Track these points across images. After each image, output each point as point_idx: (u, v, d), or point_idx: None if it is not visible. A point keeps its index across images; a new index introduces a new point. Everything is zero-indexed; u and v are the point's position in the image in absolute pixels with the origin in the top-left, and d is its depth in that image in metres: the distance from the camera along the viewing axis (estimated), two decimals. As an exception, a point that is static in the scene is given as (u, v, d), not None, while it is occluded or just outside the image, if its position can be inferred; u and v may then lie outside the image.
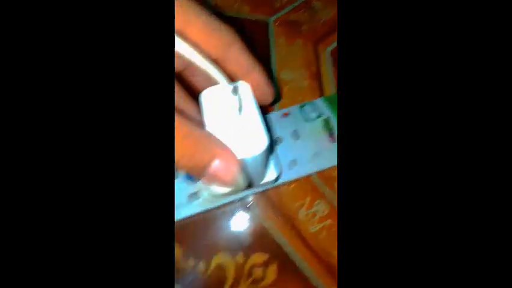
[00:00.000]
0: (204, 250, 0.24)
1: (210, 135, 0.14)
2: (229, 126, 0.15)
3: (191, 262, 0.23)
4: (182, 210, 0.22)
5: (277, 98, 0.18)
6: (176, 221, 0.23)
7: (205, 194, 0.22)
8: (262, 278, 0.24)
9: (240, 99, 0.15)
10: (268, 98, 0.18)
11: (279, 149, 0.24)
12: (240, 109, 0.15)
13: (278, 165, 0.22)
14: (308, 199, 0.26)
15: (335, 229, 0.25)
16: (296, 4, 0.34)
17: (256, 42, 0.32)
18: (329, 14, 0.34)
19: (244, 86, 0.17)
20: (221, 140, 0.14)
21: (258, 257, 0.24)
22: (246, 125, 0.15)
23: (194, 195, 0.22)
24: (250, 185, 0.18)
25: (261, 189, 0.25)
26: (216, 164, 0.14)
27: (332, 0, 0.35)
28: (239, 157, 0.14)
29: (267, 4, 0.34)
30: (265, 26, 0.33)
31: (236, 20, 0.33)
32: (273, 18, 0.33)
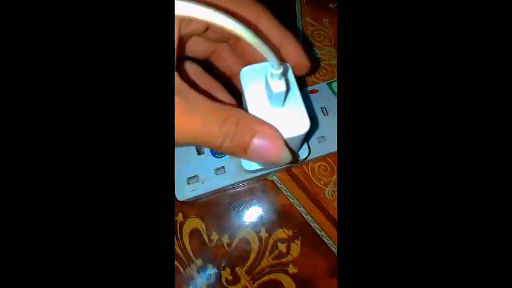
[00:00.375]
0: (227, 225, 0.24)
1: (248, 115, 0.14)
2: (273, 108, 0.15)
3: (214, 236, 0.24)
4: (209, 183, 0.22)
5: (314, 68, 0.17)
6: (200, 197, 0.23)
7: (231, 168, 0.23)
8: (287, 253, 0.23)
9: (287, 81, 0.14)
10: (304, 68, 0.18)
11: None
12: (287, 92, 0.14)
13: (307, 144, 0.22)
14: (335, 177, 0.25)
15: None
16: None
17: (283, 20, 0.31)
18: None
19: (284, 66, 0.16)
20: (262, 118, 0.14)
21: (283, 233, 0.24)
22: (290, 106, 0.15)
23: (221, 169, 0.23)
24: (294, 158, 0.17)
25: (287, 166, 0.24)
26: (257, 142, 0.13)
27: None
28: (283, 136, 0.14)
29: (295, -18, 0.33)
30: (292, 3, 0.32)
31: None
32: (300, -4, 0.32)
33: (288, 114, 0.15)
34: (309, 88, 0.26)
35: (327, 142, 0.23)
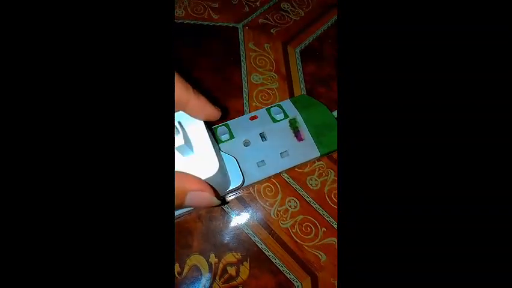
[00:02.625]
0: (176, 254, 0.25)
1: (180, 174, 0.16)
2: (184, 156, 0.17)
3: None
4: None
5: (223, 113, 0.20)
6: None
7: None
8: (236, 276, 0.24)
9: (185, 136, 0.16)
10: (215, 116, 0.19)
11: (247, 150, 0.25)
12: (189, 143, 0.17)
13: (240, 172, 0.23)
14: (279, 197, 0.26)
15: (306, 223, 0.26)
16: (266, 7, 0.35)
17: (226, 47, 0.33)
18: (300, 14, 0.35)
19: (184, 116, 0.18)
20: (178, 167, 0.16)
21: (232, 256, 0.25)
22: (200, 152, 0.17)
23: None
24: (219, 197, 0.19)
25: (232, 193, 0.26)
26: (190, 197, 0.16)
27: (301, 1, 0.36)
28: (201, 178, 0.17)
29: (236, 10, 0.35)
30: (235, 31, 0.33)
31: (206, 27, 0.33)
32: (242, 23, 0.34)
33: (199, 159, 0.17)
34: (250, 115, 0.27)
35: (267, 166, 0.25)
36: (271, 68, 0.32)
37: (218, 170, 0.17)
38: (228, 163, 0.23)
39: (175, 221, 0.25)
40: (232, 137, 0.25)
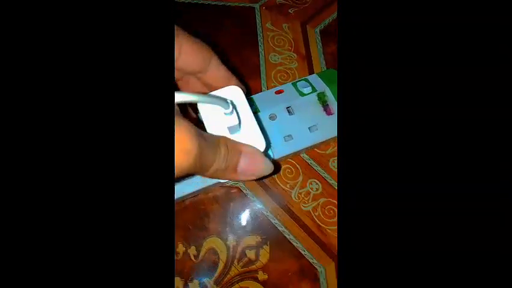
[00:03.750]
0: (193, 236, 0.23)
1: (230, 138, 0.16)
2: (232, 134, 0.17)
3: (181, 248, 0.23)
4: (178, 189, 0.22)
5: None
6: None
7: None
8: (256, 259, 0.23)
9: (238, 115, 0.16)
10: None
11: (274, 125, 0.24)
12: (240, 123, 0.17)
13: (272, 152, 0.23)
14: (300, 178, 0.25)
15: (329, 206, 0.24)
16: (283, -13, 0.34)
17: (244, 28, 0.32)
18: (317, -5, 0.34)
19: (235, 91, 0.18)
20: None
21: (251, 239, 0.24)
22: (246, 130, 0.17)
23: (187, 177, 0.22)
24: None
25: None
26: (244, 160, 0.15)
27: (319, -17, 0.34)
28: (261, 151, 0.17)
29: (253, -11, 0.34)
30: (252, 11, 0.32)
31: (222, 8, 0.32)
32: (259, 3, 0.33)
33: (246, 138, 0.17)
34: (275, 89, 0.26)
35: (294, 140, 0.24)
36: (290, 48, 0.30)
37: (265, 149, 0.17)
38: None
39: (190, 199, 0.24)
40: (257, 110, 0.24)
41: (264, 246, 0.23)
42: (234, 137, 0.17)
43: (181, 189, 0.22)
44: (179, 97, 0.13)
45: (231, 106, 0.15)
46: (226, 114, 0.16)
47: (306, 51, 0.30)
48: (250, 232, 0.24)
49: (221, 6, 0.33)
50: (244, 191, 0.25)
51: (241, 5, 0.33)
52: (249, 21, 0.32)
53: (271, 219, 0.24)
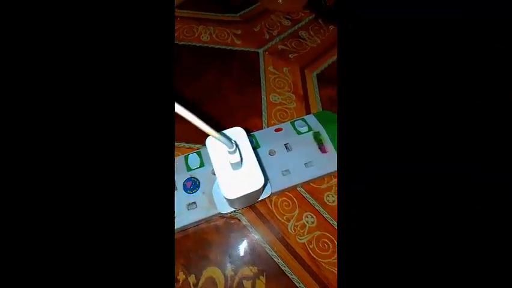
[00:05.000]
0: (194, 265, 0.25)
1: None
2: (234, 170, 0.19)
3: (181, 276, 0.24)
4: (181, 218, 0.23)
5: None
6: None
7: (202, 203, 0.24)
8: (253, 289, 0.24)
9: (240, 154, 0.18)
10: None
11: (273, 160, 0.26)
12: (242, 161, 0.19)
13: (270, 186, 0.25)
14: (297, 211, 0.27)
15: (324, 239, 0.26)
16: (284, 35, 0.38)
17: (248, 70, 0.35)
18: (316, 42, 0.37)
19: (239, 131, 0.20)
20: (227, 179, 0.19)
21: (248, 270, 0.25)
22: (247, 167, 0.19)
23: (192, 204, 0.24)
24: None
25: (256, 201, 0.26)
26: None
27: (317, 30, 0.38)
28: (244, 192, 0.19)
29: (257, 37, 0.38)
30: (256, 55, 0.36)
31: (229, 52, 0.36)
32: (263, 48, 0.37)
33: (246, 174, 0.19)
34: (275, 127, 0.28)
35: (292, 175, 0.25)
36: (289, 89, 0.34)
37: (263, 184, 0.19)
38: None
39: (193, 228, 0.25)
40: (258, 146, 0.26)
41: (261, 277, 0.24)
42: (236, 173, 0.19)
43: (185, 219, 0.23)
44: (197, 123, 0.14)
45: (234, 146, 0.17)
46: (229, 153, 0.18)
47: (304, 93, 0.33)
48: (247, 263, 0.25)
49: (228, 50, 0.36)
50: (243, 222, 0.26)
51: (247, 49, 0.36)
52: (253, 64, 0.35)
53: (268, 251, 0.25)
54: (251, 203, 0.26)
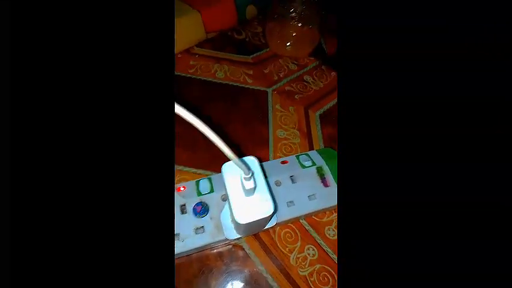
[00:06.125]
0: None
1: None
2: (246, 196, 0.20)
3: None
4: (188, 241, 0.24)
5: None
6: (179, 255, 0.24)
7: (210, 227, 0.25)
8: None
9: (255, 181, 0.20)
10: None
11: (279, 190, 0.27)
12: (255, 188, 0.20)
13: (275, 216, 0.26)
14: (299, 243, 0.27)
15: (324, 273, 0.26)
16: (291, 78, 0.42)
17: (257, 107, 0.38)
18: (319, 85, 0.41)
19: (253, 160, 0.22)
20: (239, 204, 0.20)
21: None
22: (259, 194, 0.20)
23: (200, 229, 0.24)
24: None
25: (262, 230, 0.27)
26: None
27: (320, 75, 0.42)
28: (256, 218, 0.20)
29: (267, 78, 0.41)
30: (265, 94, 0.39)
31: (241, 89, 0.39)
32: (272, 88, 0.40)
33: (257, 201, 0.20)
34: (281, 159, 0.30)
35: (295, 206, 0.27)
36: (294, 126, 0.36)
37: (272, 211, 0.20)
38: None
39: (196, 253, 0.26)
40: (265, 176, 0.28)
41: (261, 308, 0.24)
42: (248, 199, 0.20)
43: (192, 242, 0.24)
44: (221, 146, 0.14)
45: (251, 172, 0.19)
46: (245, 179, 0.19)
47: (307, 130, 0.36)
48: (249, 292, 0.25)
49: (240, 87, 0.39)
50: (246, 251, 0.27)
51: (257, 88, 0.40)
52: (262, 102, 0.38)
53: (269, 281, 0.26)
54: (257, 230, 0.27)
